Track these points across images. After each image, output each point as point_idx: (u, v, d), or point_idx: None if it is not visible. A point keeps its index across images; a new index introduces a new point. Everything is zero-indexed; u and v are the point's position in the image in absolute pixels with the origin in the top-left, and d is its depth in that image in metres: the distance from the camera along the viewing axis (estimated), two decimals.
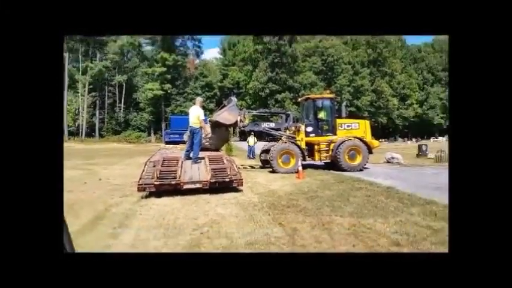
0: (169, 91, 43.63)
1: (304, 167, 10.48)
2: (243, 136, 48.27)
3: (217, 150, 9.86)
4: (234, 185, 6.42)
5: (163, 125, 41.45)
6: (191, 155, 7.45)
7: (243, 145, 23.97)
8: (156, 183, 5.82)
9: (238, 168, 7.57)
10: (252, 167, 12.45)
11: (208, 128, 9.37)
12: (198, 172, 6.66)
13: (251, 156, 16.90)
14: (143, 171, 6.19)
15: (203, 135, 7.90)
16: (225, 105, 10.44)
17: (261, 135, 47.20)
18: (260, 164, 12.40)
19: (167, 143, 19.63)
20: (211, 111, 45.03)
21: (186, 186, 6.06)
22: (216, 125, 9.59)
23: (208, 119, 10.95)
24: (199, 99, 7.80)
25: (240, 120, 10.50)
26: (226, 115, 9.72)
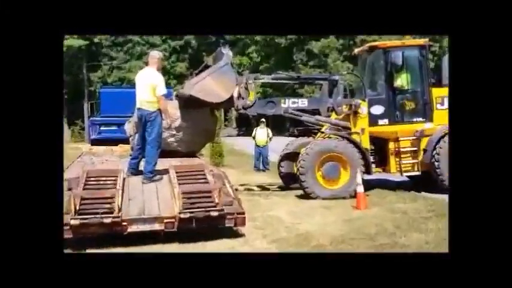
0: (97, 40, 44.72)
1: (369, 185, 10.52)
2: (246, 127, 49.25)
3: (193, 154, 10.03)
4: (228, 223, 6.43)
5: (86, 108, 41.92)
6: (142, 165, 7.50)
7: (246, 144, 24.28)
8: (73, 222, 5.85)
9: (236, 190, 7.55)
10: (264, 188, 12.67)
11: (174, 111, 9.56)
12: (155, 200, 6.68)
13: (262, 166, 17.02)
14: None
15: (164, 126, 7.91)
16: (207, 66, 10.44)
17: (280, 125, 46.90)
18: (280, 180, 12.58)
19: (95, 142, 19.71)
20: (182, 77, 45.61)
21: (132, 229, 6.08)
22: (190, 105, 9.67)
23: (174, 94, 10.97)
24: (154, 54, 7.76)
25: (240, 95, 10.60)
26: (212, 84, 9.71)
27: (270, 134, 17.05)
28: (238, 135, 44.28)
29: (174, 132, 9.45)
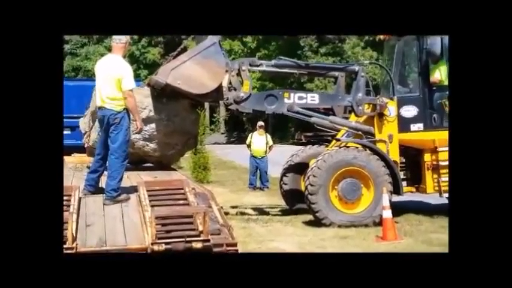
0: None
1: (399, 208, 10.49)
2: (238, 131, 49.15)
3: (167, 164, 10.08)
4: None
5: None
6: (103, 181, 7.48)
7: (239, 154, 24.19)
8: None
9: (226, 214, 7.53)
10: (263, 212, 12.70)
11: (141, 98, 9.47)
12: (121, 227, 6.66)
13: (260, 183, 17.03)
14: None
15: (134, 129, 7.88)
16: (185, 48, 10.38)
17: (283, 129, 47.05)
18: (282, 201, 12.63)
19: None
20: (154, 67, 45.33)
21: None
22: (167, 96, 9.72)
23: (143, 83, 10.91)
24: (120, 37, 7.73)
25: (231, 86, 10.74)
26: (194, 70, 9.58)
27: (270, 142, 17.09)
28: (228, 142, 44.36)
29: (145, 135, 9.32)
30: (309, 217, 10.68)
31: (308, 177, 10.43)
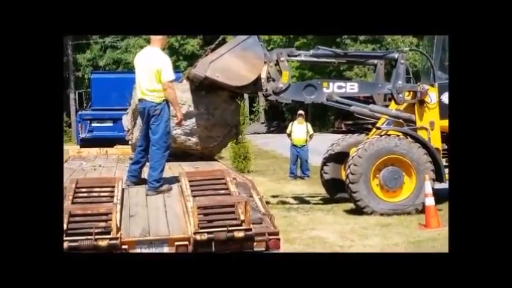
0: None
1: (441, 196, 10.37)
2: (278, 121, 49.02)
3: (210, 156, 10.13)
4: (258, 247, 6.40)
5: (72, 100, 42.40)
6: (146, 172, 7.57)
7: (279, 144, 24.27)
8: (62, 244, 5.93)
9: (267, 203, 7.57)
10: (304, 201, 12.75)
11: (181, 94, 9.52)
12: (163, 217, 6.72)
13: (301, 172, 17.03)
14: None
15: (174, 121, 7.94)
16: (223, 41, 10.42)
17: (322, 118, 46.66)
18: (323, 190, 12.64)
19: (85, 142, 19.85)
20: (194, 58, 45.40)
21: (134, 251, 6.11)
22: (205, 89, 9.78)
23: (183, 77, 10.97)
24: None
25: (269, 77, 10.70)
26: (233, 62, 9.72)
27: (311, 131, 17.04)
28: (268, 132, 44.32)
29: (185, 128, 9.43)
30: (350, 205, 10.66)
31: (349, 166, 10.41)
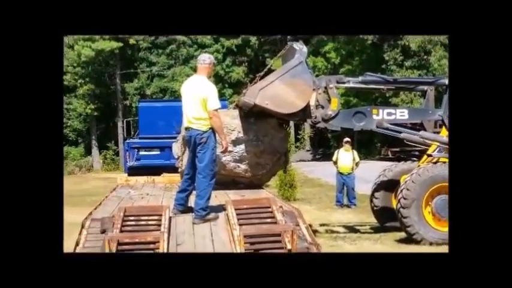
0: (133, 42, 46.11)
1: None
2: (324, 148, 48.93)
3: (258, 184, 10.13)
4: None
5: (120, 128, 42.97)
6: (192, 200, 7.57)
7: (325, 171, 24.04)
8: None
9: (314, 232, 7.46)
10: (351, 229, 12.60)
11: (229, 120, 9.64)
12: (210, 245, 6.71)
13: (348, 201, 16.82)
14: (77, 244, 6.54)
15: (220, 150, 7.96)
16: (272, 70, 10.46)
17: (368, 145, 46.21)
18: (372, 218, 12.47)
19: (132, 170, 20.06)
20: (239, 86, 45.67)
21: None
22: (254, 116, 9.79)
23: (228, 103, 11.01)
24: (204, 58, 7.85)
25: (318, 104, 10.64)
26: (282, 90, 9.68)
27: (357, 158, 16.84)
28: (313, 159, 44.16)
29: (231, 148, 9.34)
30: (399, 235, 10.47)
31: (401, 191, 10.27)
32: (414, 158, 12.21)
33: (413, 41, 38.05)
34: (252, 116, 9.67)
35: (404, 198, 10.11)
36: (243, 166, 9.65)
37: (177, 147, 10.12)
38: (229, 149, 9.28)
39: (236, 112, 9.78)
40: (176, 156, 10.15)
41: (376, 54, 41.52)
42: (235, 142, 9.38)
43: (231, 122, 9.46)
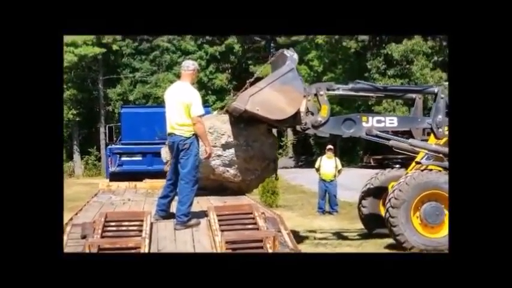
0: (116, 47, 46.06)
1: None
2: (306, 155, 48.96)
3: (244, 190, 10.16)
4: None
5: (102, 133, 42.78)
6: (174, 206, 7.56)
7: (307, 178, 24.07)
8: None
9: (295, 239, 7.45)
10: (333, 237, 12.60)
11: (220, 124, 9.67)
12: (191, 251, 6.67)
13: (330, 208, 16.85)
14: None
15: (203, 155, 7.95)
16: (260, 78, 10.46)
17: (350, 152, 46.37)
18: (354, 225, 12.43)
19: (114, 176, 19.87)
20: (222, 93, 45.64)
21: None
22: (245, 122, 9.83)
23: (212, 109, 11.05)
24: (188, 64, 7.85)
25: (308, 110, 10.71)
26: (273, 96, 9.68)
27: (339, 166, 16.90)
28: (296, 166, 44.21)
29: (220, 152, 9.48)
30: (380, 242, 10.51)
31: (390, 198, 10.30)
32: (397, 166, 12.26)
33: (396, 50, 38.22)
34: (243, 121, 9.71)
35: (395, 199, 10.16)
36: (232, 171, 9.66)
37: (165, 152, 10.11)
38: (219, 152, 9.33)
39: (227, 117, 9.83)
40: (165, 161, 10.13)
41: (359, 62, 41.72)
42: (225, 146, 9.43)
43: (222, 126, 9.51)
